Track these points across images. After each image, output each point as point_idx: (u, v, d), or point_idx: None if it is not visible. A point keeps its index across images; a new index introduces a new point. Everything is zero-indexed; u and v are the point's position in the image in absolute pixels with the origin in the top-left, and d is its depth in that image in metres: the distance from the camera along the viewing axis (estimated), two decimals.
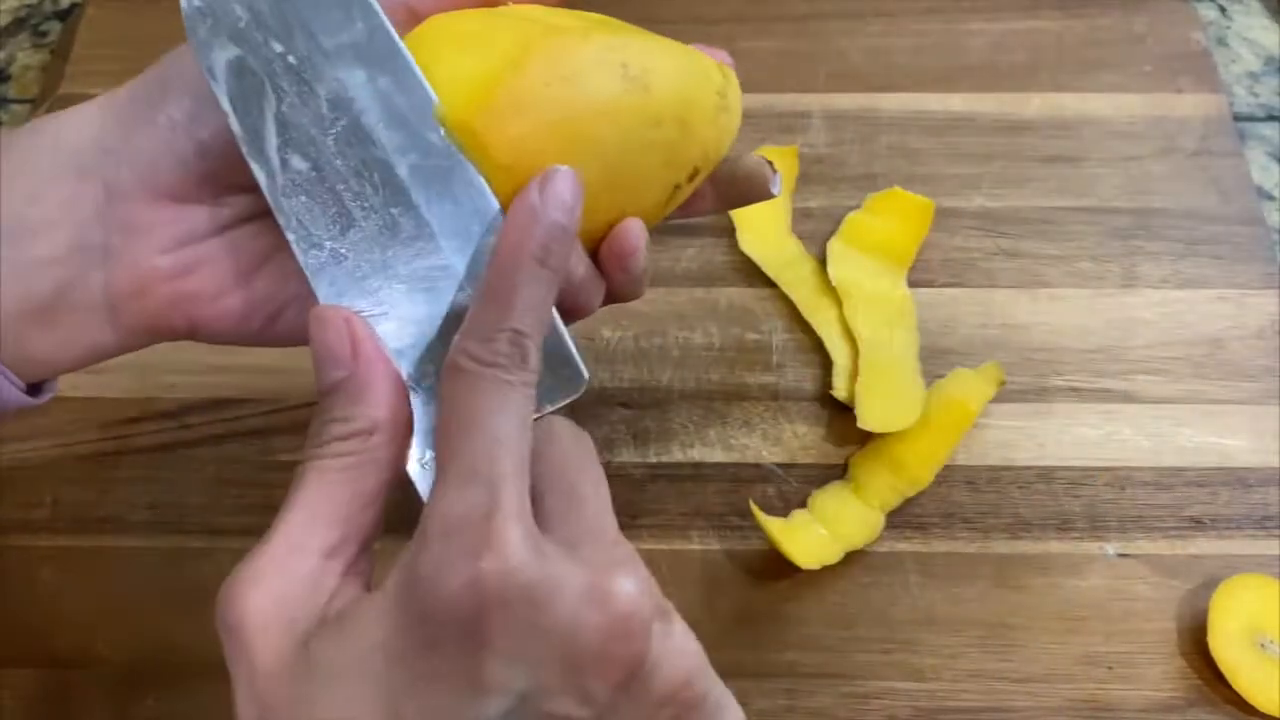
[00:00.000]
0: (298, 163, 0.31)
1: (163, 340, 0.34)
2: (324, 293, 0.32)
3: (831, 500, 0.47)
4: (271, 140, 0.32)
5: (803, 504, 0.47)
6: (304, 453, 0.29)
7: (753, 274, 0.54)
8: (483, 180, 0.31)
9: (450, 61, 0.32)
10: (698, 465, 0.48)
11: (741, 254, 0.54)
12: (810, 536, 0.46)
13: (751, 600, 0.46)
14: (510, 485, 0.27)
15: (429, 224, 0.31)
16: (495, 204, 0.31)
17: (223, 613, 0.28)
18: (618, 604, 0.26)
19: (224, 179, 0.33)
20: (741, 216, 0.54)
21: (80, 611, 0.45)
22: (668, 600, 0.29)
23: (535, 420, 0.30)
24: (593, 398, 0.50)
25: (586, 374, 0.31)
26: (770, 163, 0.38)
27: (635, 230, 0.33)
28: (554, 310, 0.30)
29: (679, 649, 0.28)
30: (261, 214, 0.33)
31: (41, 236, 0.31)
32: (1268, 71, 0.62)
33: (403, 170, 0.31)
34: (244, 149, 0.32)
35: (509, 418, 0.28)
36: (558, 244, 0.29)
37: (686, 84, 0.34)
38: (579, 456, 0.30)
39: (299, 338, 0.32)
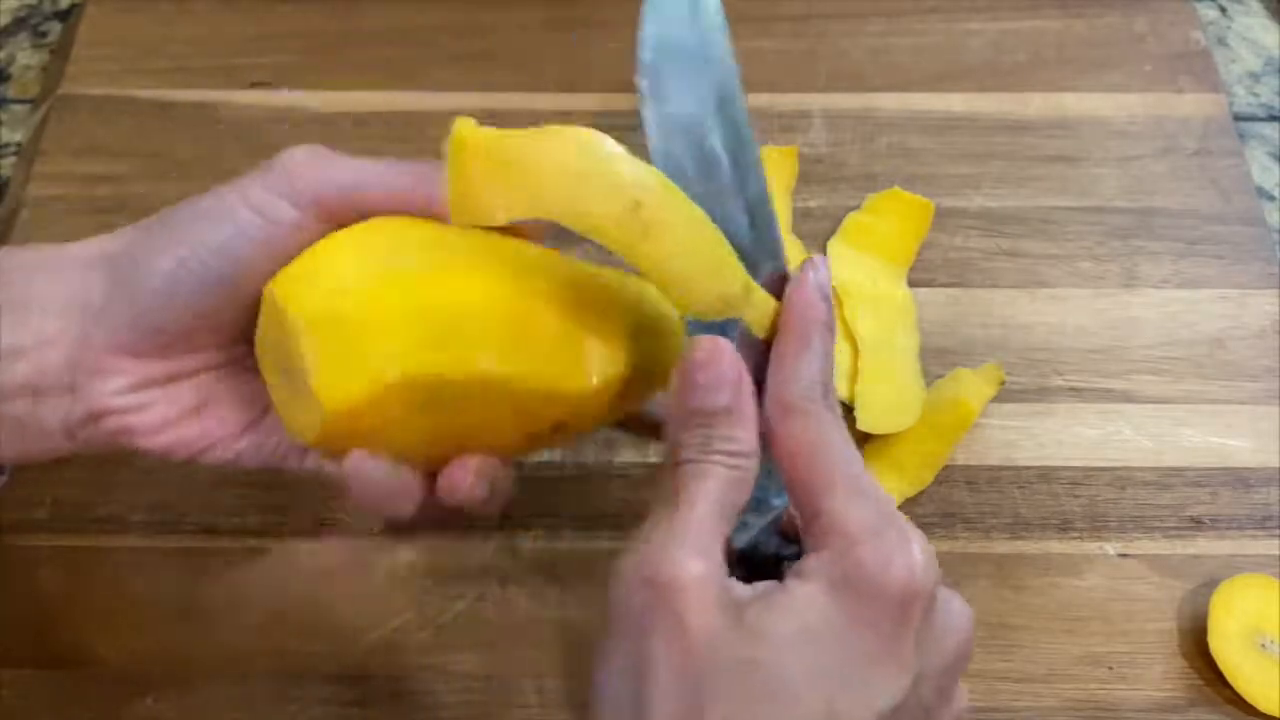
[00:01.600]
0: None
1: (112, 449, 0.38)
2: None
3: None
4: None
5: None
6: (684, 455, 0.32)
7: None
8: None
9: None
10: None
11: None
12: None
13: None
14: (891, 500, 0.32)
15: None
16: None
17: (654, 574, 0.30)
18: (967, 613, 0.32)
19: (179, 347, 0.36)
20: None
21: (80, 611, 0.45)
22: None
23: None
24: None
25: None
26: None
27: (461, 470, 0.36)
28: None
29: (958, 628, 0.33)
30: (206, 368, 0.37)
31: (21, 361, 0.35)
32: (1268, 71, 0.62)
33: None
34: None
35: (851, 445, 0.33)
36: (832, 315, 0.34)
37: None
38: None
39: (223, 466, 0.38)
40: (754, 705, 0.29)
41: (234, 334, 0.36)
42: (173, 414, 0.37)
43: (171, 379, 0.37)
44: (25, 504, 0.47)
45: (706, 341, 0.33)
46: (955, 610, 0.32)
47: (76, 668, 0.44)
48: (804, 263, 0.35)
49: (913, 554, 0.30)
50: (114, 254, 0.36)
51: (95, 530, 0.47)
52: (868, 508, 0.31)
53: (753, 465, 0.32)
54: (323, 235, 0.35)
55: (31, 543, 0.47)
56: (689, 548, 0.30)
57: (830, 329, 0.34)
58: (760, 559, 0.35)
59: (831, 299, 0.35)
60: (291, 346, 0.33)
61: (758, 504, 0.35)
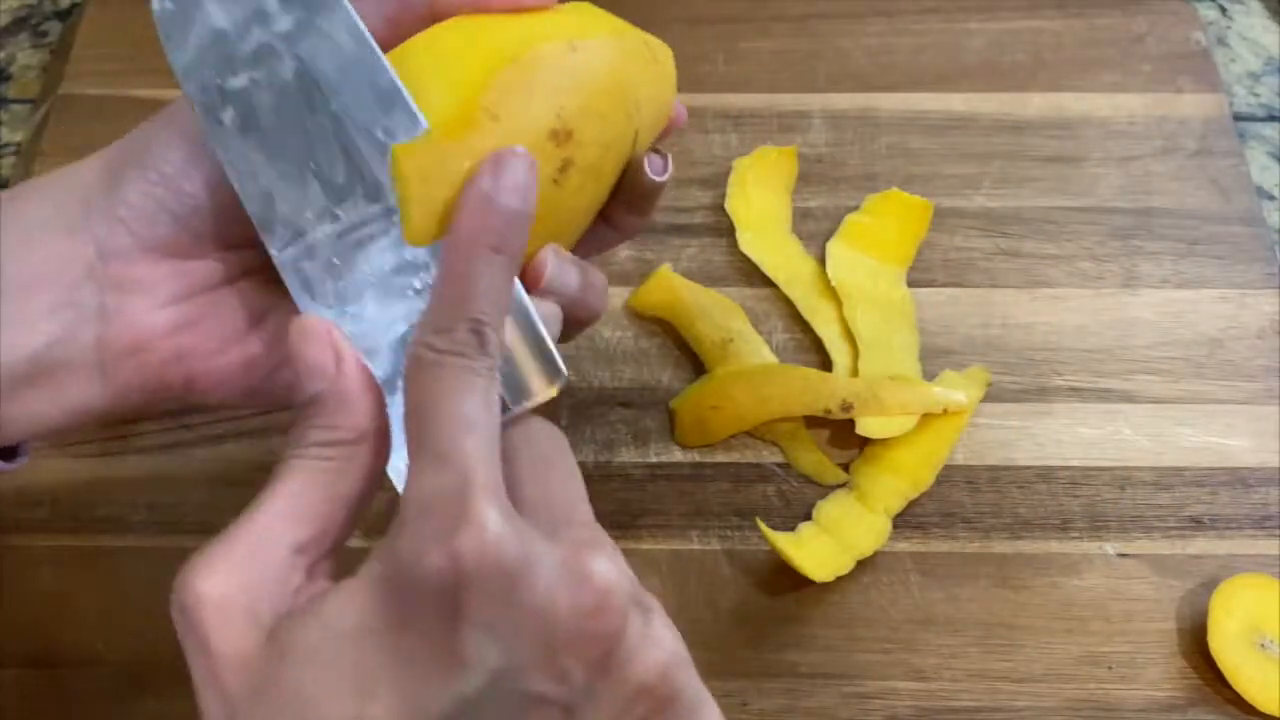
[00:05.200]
0: (257, 137, 0.31)
1: (155, 400, 0.34)
2: (295, 289, 0.32)
3: (836, 509, 0.47)
4: (230, 117, 0.32)
5: (804, 504, 0.47)
6: (283, 455, 0.29)
7: (753, 274, 0.54)
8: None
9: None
10: (698, 465, 0.48)
11: (741, 254, 0.54)
12: (821, 548, 0.46)
13: (751, 600, 0.46)
14: (481, 464, 0.27)
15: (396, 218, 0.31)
16: None
17: (179, 595, 0.27)
18: (594, 581, 0.27)
19: (221, 233, 0.33)
20: (741, 216, 0.54)
21: (80, 611, 0.45)
22: (650, 595, 0.29)
23: (513, 418, 0.30)
24: (592, 398, 0.50)
25: (565, 370, 0.31)
26: (657, 151, 0.37)
27: (542, 261, 0.33)
28: (530, 306, 0.31)
29: (656, 639, 0.28)
30: (261, 268, 0.33)
31: (31, 295, 0.31)
32: (1268, 71, 0.62)
33: (375, 163, 0.31)
34: (204, 123, 0.32)
35: (474, 401, 0.28)
36: (513, 230, 0.29)
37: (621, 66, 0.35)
38: (556, 452, 0.30)
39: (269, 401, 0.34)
40: None
41: None
42: (231, 329, 0.33)
43: (221, 283, 0.32)
44: (25, 504, 0.47)
45: (295, 324, 0.29)
46: (653, 637, 0.27)
47: (76, 668, 0.44)
48: (486, 160, 0.29)
49: (459, 532, 0.26)
50: (113, 153, 0.32)
51: (95, 530, 0.47)
52: (432, 481, 0.27)
53: (364, 449, 0.29)
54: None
55: (31, 543, 0.47)
56: (219, 569, 0.27)
57: (502, 250, 0.29)
58: None
59: (518, 211, 0.29)
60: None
61: None
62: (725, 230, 0.55)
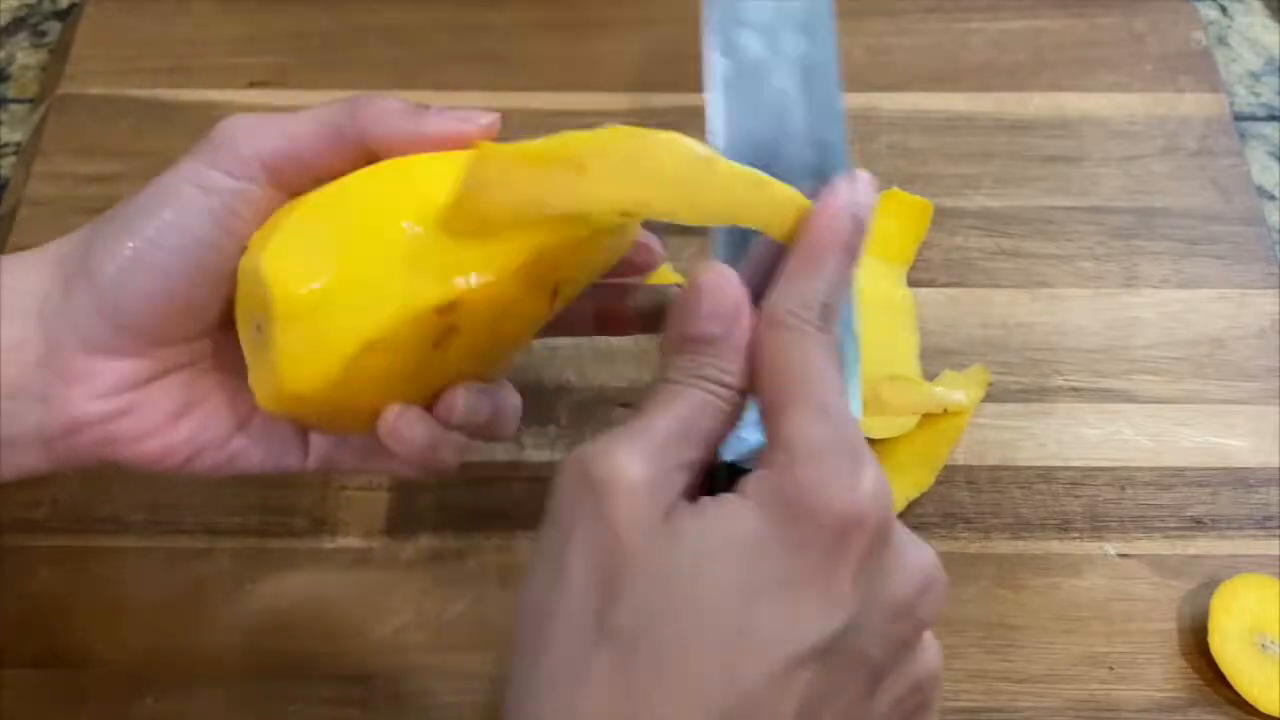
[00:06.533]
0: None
1: (89, 465, 0.36)
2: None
3: None
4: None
5: None
6: (668, 375, 0.31)
7: None
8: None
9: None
10: None
11: None
12: None
13: None
14: (855, 426, 0.30)
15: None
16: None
17: (590, 468, 0.29)
18: (927, 561, 0.30)
19: (153, 336, 0.35)
20: None
21: (80, 611, 0.45)
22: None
23: None
24: (593, 398, 0.50)
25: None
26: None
27: (448, 404, 0.36)
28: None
29: (934, 652, 0.32)
30: (187, 364, 0.36)
31: None
32: (1268, 71, 0.62)
33: None
34: None
35: (834, 368, 0.31)
36: (860, 237, 0.32)
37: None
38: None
39: (213, 475, 0.37)
40: (665, 609, 0.27)
41: (212, 320, 0.35)
42: (157, 418, 0.35)
43: (153, 378, 0.35)
44: (25, 504, 0.47)
45: (712, 269, 0.32)
46: (910, 552, 0.30)
47: (76, 668, 0.44)
48: (842, 177, 0.33)
49: (860, 482, 0.28)
50: (67, 253, 0.35)
51: (95, 530, 0.47)
52: (823, 429, 0.29)
53: (736, 399, 0.31)
54: (277, 200, 0.35)
55: (31, 543, 0.46)
56: (634, 452, 0.29)
57: (850, 252, 0.32)
58: None
59: (865, 223, 0.33)
60: (260, 313, 0.33)
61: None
62: None
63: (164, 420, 0.36)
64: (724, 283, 0.32)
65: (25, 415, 0.34)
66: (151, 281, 0.34)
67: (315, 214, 0.34)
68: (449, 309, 0.33)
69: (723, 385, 0.31)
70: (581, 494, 0.29)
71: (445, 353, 0.34)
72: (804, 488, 0.28)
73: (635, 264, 0.40)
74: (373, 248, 0.33)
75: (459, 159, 0.34)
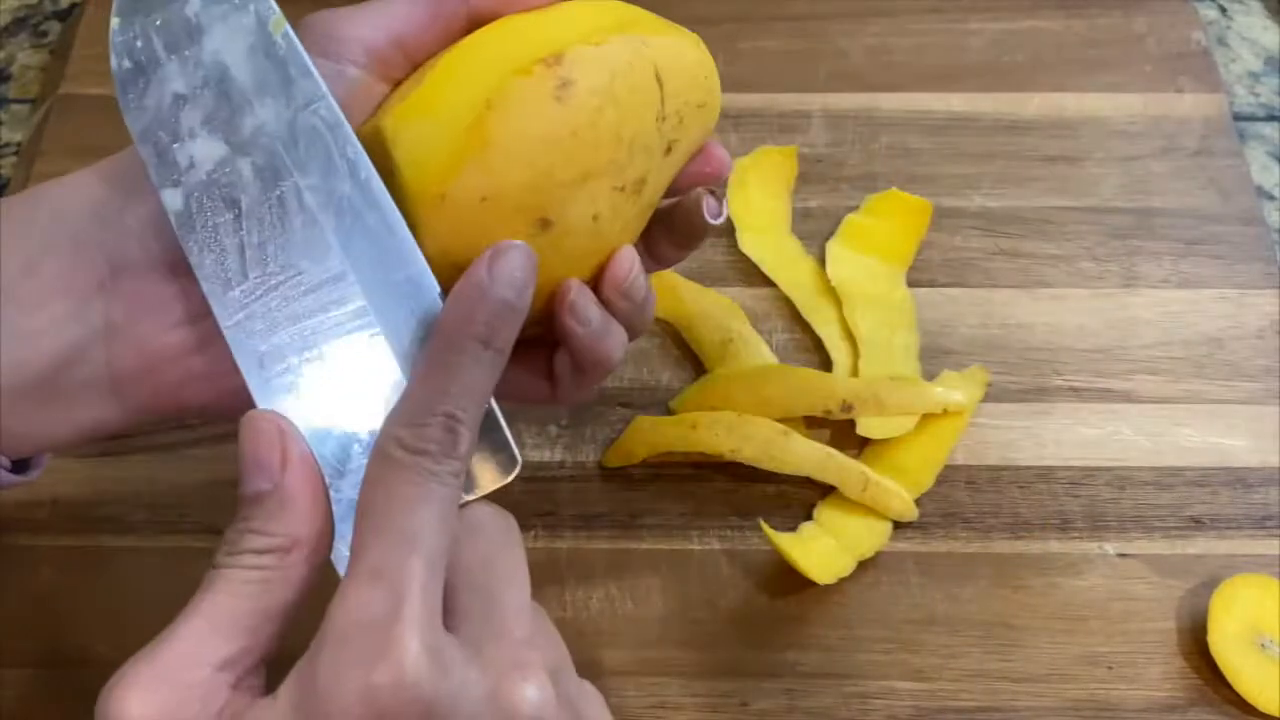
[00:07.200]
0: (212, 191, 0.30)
1: (169, 416, 0.32)
2: (243, 359, 0.30)
3: (838, 510, 0.47)
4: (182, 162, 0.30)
5: (804, 504, 0.47)
6: (215, 559, 0.28)
7: (753, 274, 0.54)
8: (420, 255, 0.29)
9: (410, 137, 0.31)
10: (698, 465, 0.48)
11: (741, 254, 0.54)
12: (822, 549, 0.46)
13: (751, 600, 0.46)
14: (417, 588, 0.25)
15: (358, 288, 0.29)
16: (434, 282, 0.30)
17: (99, 707, 0.27)
18: (521, 713, 0.26)
19: None
20: (741, 216, 0.54)
21: (80, 611, 0.45)
22: (586, 683, 0.28)
23: (461, 507, 0.29)
24: (593, 397, 0.50)
25: (519, 458, 0.30)
26: (713, 192, 0.37)
27: (626, 258, 0.33)
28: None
29: None
30: None
31: (38, 309, 0.30)
32: (1268, 71, 0.62)
33: (329, 227, 0.29)
34: (152, 175, 0.30)
35: (429, 512, 0.26)
36: (505, 324, 0.28)
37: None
38: (501, 548, 0.29)
39: None
40: None
41: None
42: None
43: None
44: (25, 504, 0.47)
45: (252, 417, 0.28)
46: None
47: (76, 668, 0.44)
48: (486, 251, 0.28)
49: (376, 671, 0.24)
50: (121, 166, 0.31)
51: (95, 530, 0.47)
52: (366, 599, 0.25)
53: (299, 558, 0.28)
54: (370, 85, 0.32)
55: (31, 543, 0.47)
56: (137, 686, 0.27)
57: (488, 345, 0.27)
58: None
59: (508, 300, 0.28)
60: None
61: None
62: (725, 230, 0.55)
63: None
64: (261, 428, 0.28)
65: (86, 356, 0.30)
66: None
67: (446, 74, 0.32)
68: (555, 60, 0.31)
69: (265, 552, 0.27)
70: None
71: (566, 223, 0.32)
72: (317, 683, 0.25)
73: (703, 175, 0.37)
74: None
75: (562, 11, 0.33)
